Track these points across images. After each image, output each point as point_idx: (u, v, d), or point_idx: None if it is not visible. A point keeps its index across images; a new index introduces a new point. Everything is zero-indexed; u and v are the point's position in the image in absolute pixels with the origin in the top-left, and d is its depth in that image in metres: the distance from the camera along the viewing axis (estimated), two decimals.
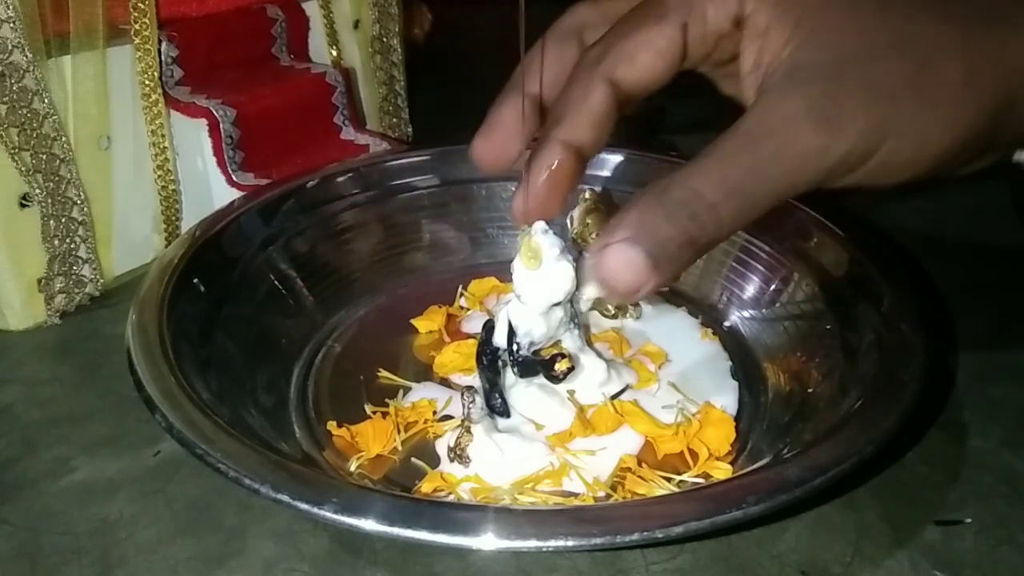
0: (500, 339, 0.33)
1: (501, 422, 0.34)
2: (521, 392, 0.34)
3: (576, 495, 0.31)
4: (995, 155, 0.29)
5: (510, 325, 0.32)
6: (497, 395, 0.34)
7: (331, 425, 0.34)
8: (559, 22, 0.33)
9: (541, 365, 0.33)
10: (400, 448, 0.34)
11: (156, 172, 0.46)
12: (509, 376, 0.34)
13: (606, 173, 0.47)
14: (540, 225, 0.31)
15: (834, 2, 0.27)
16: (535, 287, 0.31)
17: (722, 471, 0.32)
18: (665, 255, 0.26)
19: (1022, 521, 0.30)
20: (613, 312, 0.41)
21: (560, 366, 0.32)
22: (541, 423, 0.33)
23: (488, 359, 0.34)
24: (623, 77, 0.28)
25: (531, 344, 0.33)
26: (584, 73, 0.29)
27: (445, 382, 0.38)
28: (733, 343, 0.39)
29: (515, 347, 0.32)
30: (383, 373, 0.38)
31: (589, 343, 0.37)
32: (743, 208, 0.26)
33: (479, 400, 0.33)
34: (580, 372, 0.34)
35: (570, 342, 0.34)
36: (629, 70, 0.28)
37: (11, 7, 0.37)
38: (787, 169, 0.26)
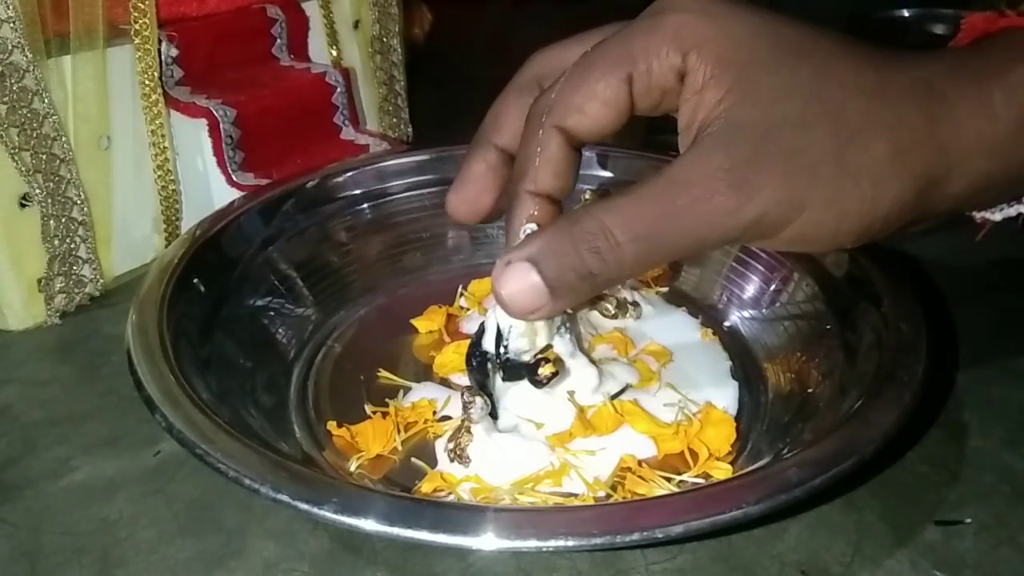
0: (489, 342, 0.33)
1: (501, 422, 0.33)
2: (522, 392, 0.34)
3: (576, 495, 0.31)
4: (928, 223, 0.29)
5: (498, 328, 0.32)
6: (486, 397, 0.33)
7: (331, 425, 0.34)
8: (518, 75, 0.33)
9: (525, 369, 0.32)
10: (400, 448, 0.34)
11: (156, 172, 0.46)
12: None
13: (606, 173, 0.47)
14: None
15: (771, 66, 0.27)
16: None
17: (722, 471, 0.32)
18: (563, 284, 0.27)
19: (1022, 521, 0.30)
20: (613, 312, 0.41)
21: (544, 371, 0.31)
22: (541, 422, 0.33)
23: (477, 361, 0.33)
24: (574, 127, 0.29)
25: (518, 348, 0.33)
26: (537, 124, 0.30)
27: (445, 382, 0.38)
28: (733, 343, 0.39)
29: (502, 350, 0.32)
30: (383, 373, 0.38)
31: (582, 348, 0.37)
32: (647, 253, 0.27)
33: (479, 400, 0.33)
34: (565, 377, 0.34)
35: (561, 346, 0.34)
36: (580, 120, 0.29)
37: (11, 7, 0.37)
38: (697, 224, 0.26)
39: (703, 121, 0.28)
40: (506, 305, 0.28)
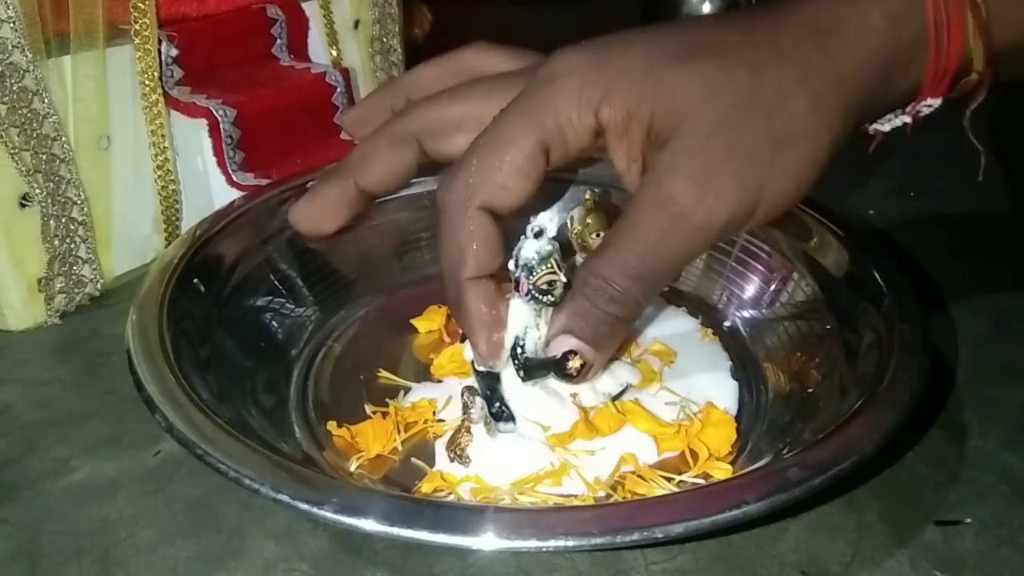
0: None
1: (512, 424, 0.33)
2: (523, 393, 0.34)
3: (576, 495, 0.31)
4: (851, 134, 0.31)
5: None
6: (498, 403, 0.33)
7: (331, 425, 0.34)
8: (394, 125, 0.35)
9: (551, 365, 0.32)
10: (400, 448, 0.34)
11: (156, 172, 0.46)
12: (515, 383, 0.34)
13: (606, 174, 0.46)
14: (536, 226, 0.31)
15: (678, 83, 0.28)
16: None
17: (722, 471, 0.32)
18: (600, 336, 0.31)
19: (1022, 521, 0.30)
20: None
21: (573, 363, 0.31)
22: (546, 424, 0.33)
23: (487, 366, 0.33)
24: (499, 204, 0.31)
25: (532, 349, 0.32)
26: (463, 212, 0.31)
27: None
28: (733, 343, 0.39)
29: (518, 350, 0.32)
30: (383, 373, 0.38)
31: None
32: (650, 284, 0.30)
33: (479, 400, 0.33)
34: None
35: None
36: (505, 197, 0.31)
37: (11, 7, 0.37)
38: (678, 247, 0.29)
39: (642, 155, 0.30)
40: (566, 375, 0.31)
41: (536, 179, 0.31)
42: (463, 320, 0.32)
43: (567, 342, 0.30)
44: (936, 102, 0.30)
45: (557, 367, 0.31)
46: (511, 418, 0.33)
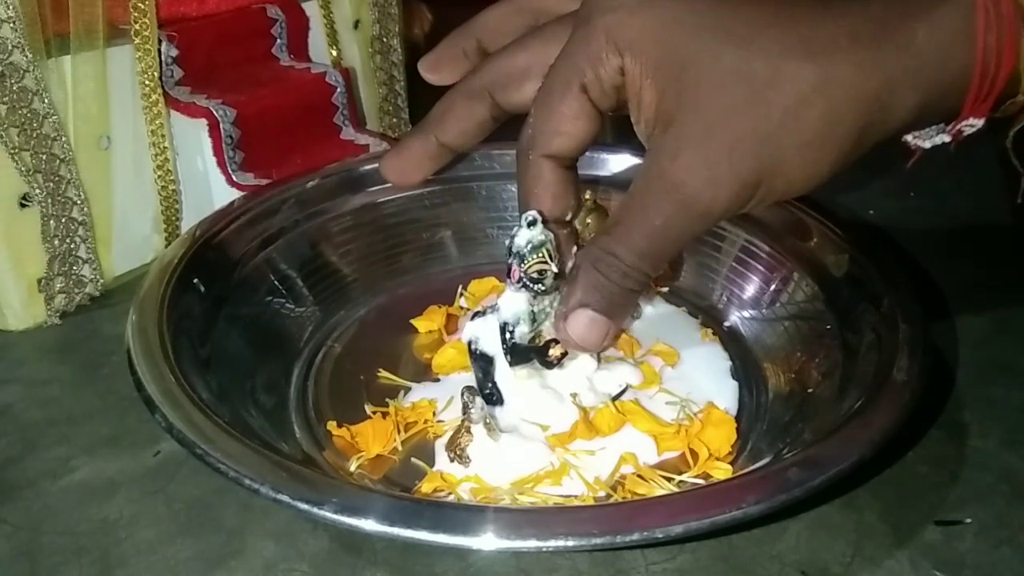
0: (490, 336, 0.33)
1: (501, 422, 0.33)
2: (523, 393, 0.34)
3: (576, 495, 0.31)
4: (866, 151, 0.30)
5: (502, 319, 0.33)
6: (490, 384, 0.34)
7: (331, 425, 0.34)
8: (468, 81, 0.36)
9: (535, 351, 0.33)
10: (400, 448, 0.34)
11: (156, 172, 0.46)
12: (510, 378, 0.34)
13: (606, 173, 0.47)
14: (529, 215, 0.31)
15: (695, 58, 0.28)
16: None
17: (722, 471, 0.32)
18: (614, 307, 0.31)
19: (1022, 521, 0.30)
20: None
21: (554, 351, 0.32)
22: (545, 424, 0.33)
23: (480, 351, 0.34)
24: (560, 150, 0.32)
25: (523, 332, 0.33)
26: (525, 160, 0.33)
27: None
28: (733, 343, 0.39)
29: (507, 335, 0.33)
30: (383, 373, 0.38)
31: None
32: (657, 261, 0.31)
33: (479, 400, 0.33)
34: (574, 359, 0.34)
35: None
36: (562, 142, 0.32)
37: (11, 7, 0.37)
38: (681, 230, 0.30)
39: (647, 122, 0.30)
40: (583, 346, 0.32)
41: (590, 118, 0.31)
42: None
43: (586, 315, 0.31)
44: (979, 122, 0.30)
45: (540, 353, 0.33)
46: (500, 401, 0.33)
